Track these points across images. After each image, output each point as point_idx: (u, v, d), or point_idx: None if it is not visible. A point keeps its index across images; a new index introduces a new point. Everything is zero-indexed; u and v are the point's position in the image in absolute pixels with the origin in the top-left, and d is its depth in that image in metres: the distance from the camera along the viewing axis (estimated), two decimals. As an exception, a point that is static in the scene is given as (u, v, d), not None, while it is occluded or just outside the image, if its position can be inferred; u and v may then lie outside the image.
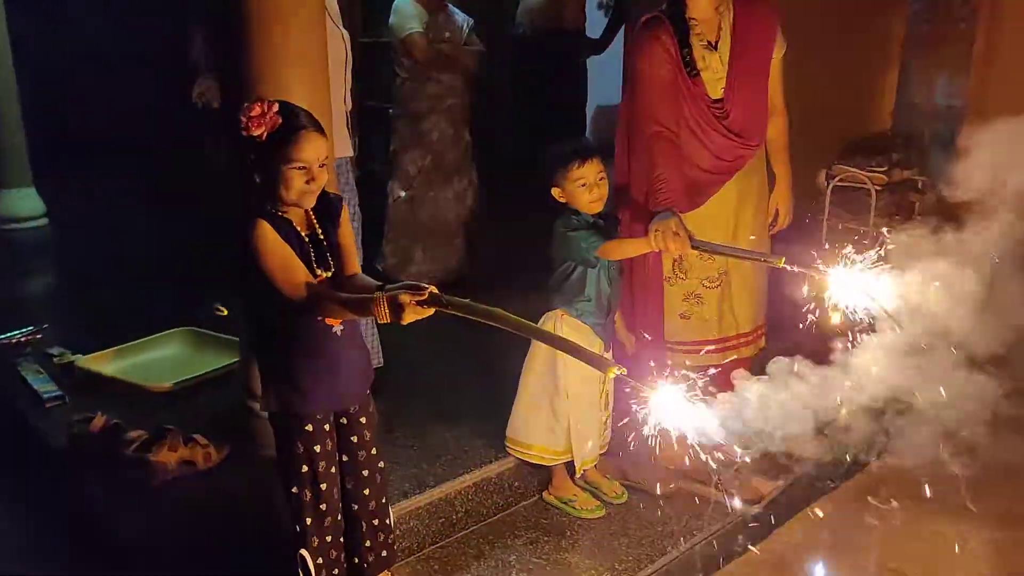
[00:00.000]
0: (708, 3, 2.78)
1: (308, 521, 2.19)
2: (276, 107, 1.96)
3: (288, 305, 2.02)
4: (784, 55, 2.91)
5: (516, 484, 2.92)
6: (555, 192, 2.71)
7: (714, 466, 2.15)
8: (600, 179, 2.65)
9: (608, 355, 2.77)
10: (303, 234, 2.07)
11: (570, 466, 2.89)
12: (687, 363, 3.00)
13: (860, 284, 2.21)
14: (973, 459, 2.64)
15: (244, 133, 1.94)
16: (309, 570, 2.19)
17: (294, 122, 1.97)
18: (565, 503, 2.88)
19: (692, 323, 2.99)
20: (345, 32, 3.09)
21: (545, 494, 2.94)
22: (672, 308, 2.98)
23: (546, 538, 2.76)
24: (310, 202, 2.05)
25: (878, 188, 4.28)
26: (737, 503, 2.84)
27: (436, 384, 3.44)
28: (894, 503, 2.97)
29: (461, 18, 4.31)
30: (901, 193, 4.44)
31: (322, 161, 2.01)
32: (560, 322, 2.74)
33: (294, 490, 2.19)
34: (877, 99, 4.79)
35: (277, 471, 2.24)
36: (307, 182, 2.00)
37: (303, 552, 2.20)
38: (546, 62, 4.42)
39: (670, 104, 2.79)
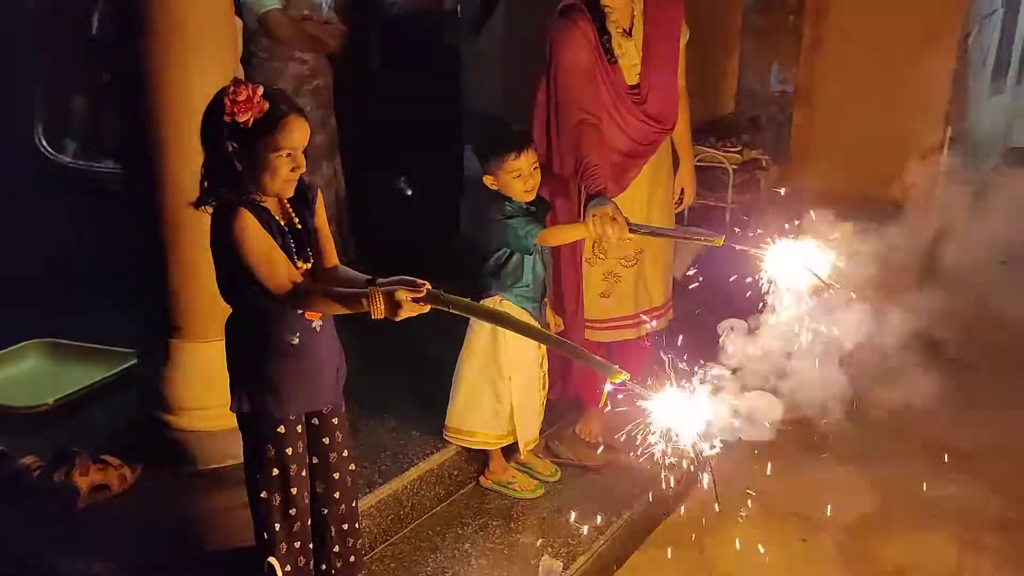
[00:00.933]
0: None
1: (277, 527, 2.10)
2: (261, 90, 1.84)
3: (271, 300, 1.91)
4: (687, 42, 3.06)
5: (455, 473, 2.90)
6: (487, 180, 2.70)
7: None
8: (534, 169, 2.67)
9: None
10: (282, 223, 1.97)
11: (508, 448, 2.91)
12: (605, 339, 3.14)
13: (799, 258, 2.37)
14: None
15: (228, 119, 1.81)
16: None
17: (280, 107, 1.86)
18: (504, 486, 2.90)
19: (611, 301, 3.08)
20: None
21: (482, 479, 2.94)
22: (592, 288, 3.06)
23: (494, 523, 2.77)
24: (291, 190, 1.95)
25: (734, 167, 4.60)
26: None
27: (359, 381, 3.32)
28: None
29: None
30: (750, 171, 4.80)
31: (304, 147, 1.91)
32: (499, 308, 2.74)
33: (263, 495, 2.08)
34: (721, 85, 5.14)
35: (246, 475, 2.13)
36: (292, 170, 1.90)
37: (271, 560, 2.10)
38: (418, 44, 4.34)
39: (592, 91, 2.85)
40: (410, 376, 3.19)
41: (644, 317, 3.13)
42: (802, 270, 2.37)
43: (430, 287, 1.83)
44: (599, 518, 2.76)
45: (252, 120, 1.83)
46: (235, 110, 1.81)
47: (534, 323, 2.78)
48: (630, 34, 2.91)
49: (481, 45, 4.60)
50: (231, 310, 2.07)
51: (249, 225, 1.87)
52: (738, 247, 2.42)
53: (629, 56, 2.90)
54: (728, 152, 4.58)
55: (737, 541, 2.85)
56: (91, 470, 2.52)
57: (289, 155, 1.88)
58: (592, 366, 1.86)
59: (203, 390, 2.69)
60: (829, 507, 3.00)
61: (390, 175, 4.50)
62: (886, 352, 2.86)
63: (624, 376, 1.75)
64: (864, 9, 4.67)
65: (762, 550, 2.80)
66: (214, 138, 1.87)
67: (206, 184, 1.93)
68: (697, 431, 1.89)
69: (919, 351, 3.11)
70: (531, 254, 2.72)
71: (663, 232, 2.83)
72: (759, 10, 5.01)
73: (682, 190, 3.19)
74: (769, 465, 3.06)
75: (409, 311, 1.81)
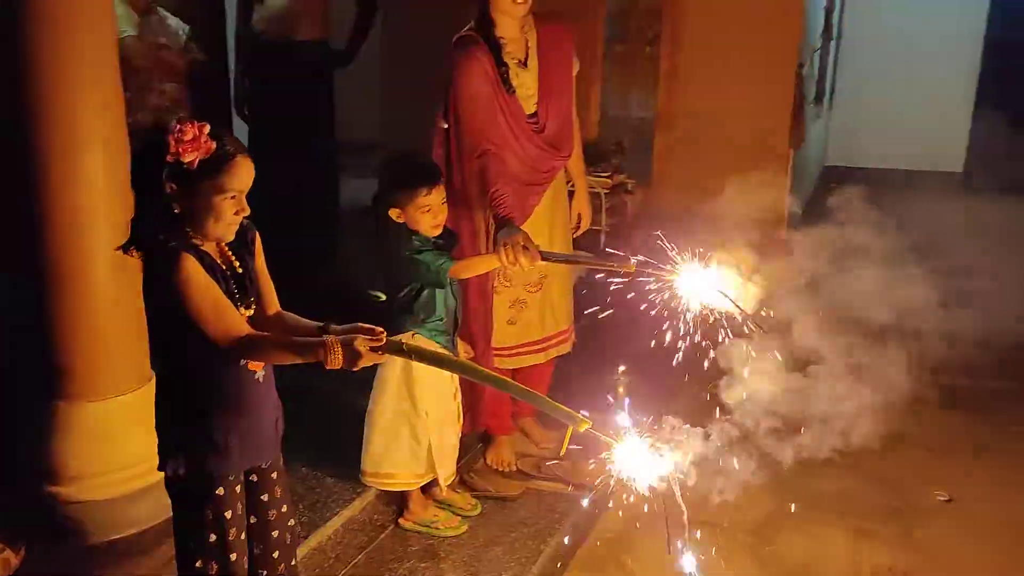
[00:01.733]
0: (515, 23, 2.91)
1: None
2: (207, 128, 1.73)
3: (216, 352, 1.79)
4: (577, 73, 3.14)
5: (376, 517, 2.82)
6: (393, 213, 2.65)
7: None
8: (443, 204, 2.65)
9: None
10: (224, 268, 1.86)
11: (425, 487, 2.85)
12: (513, 365, 3.15)
13: (711, 283, 2.46)
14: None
15: (171, 159, 1.70)
16: None
17: (227, 147, 1.77)
18: (427, 526, 2.84)
19: (518, 328, 3.12)
20: None
21: (402, 521, 2.87)
22: (499, 315, 3.08)
23: (422, 565, 2.70)
24: (233, 234, 1.84)
25: (605, 191, 4.75)
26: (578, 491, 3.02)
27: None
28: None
29: (175, 23, 3.96)
30: (618, 195, 4.97)
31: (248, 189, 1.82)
32: (411, 343, 2.68)
33: (198, 564, 1.94)
34: (584, 112, 5.28)
35: (176, 544, 1.98)
36: (236, 213, 1.80)
37: None
38: (286, 72, 4.23)
39: (493, 121, 2.89)
40: (314, 420, 3.06)
41: (552, 341, 3.19)
42: (715, 295, 2.46)
43: (387, 335, 1.78)
44: (526, 548, 2.75)
45: (197, 161, 1.72)
46: (180, 150, 1.70)
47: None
48: (526, 65, 2.96)
49: (353, 74, 4.52)
50: (162, 366, 1.96)
51: (193, 272, 1.76)
52: (650, 272, 2.48)
53: (526, 86, 2.95)
54: (599, 177, 4.73)
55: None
56: (-32, 560, 2.26)
57: (234, 197, 1.79)
58: (558, 416, 1.84)
59: (98, 455, 2.49)
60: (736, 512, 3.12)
61: (261, 209, 4.32)
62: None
63: (588, 425, 1.77)
64: (715, 40, 4.97)
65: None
66: (152, 179, 1.75)
67: (138, 228, 1.80)
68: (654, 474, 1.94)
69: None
70: (443, 287, 2.70)
71: (575, 259, 2.89)
72: (619, 39, 5.23)
73: (579, 215, 3.27)
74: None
75: (368, 361, 1.76)
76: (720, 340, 2.68)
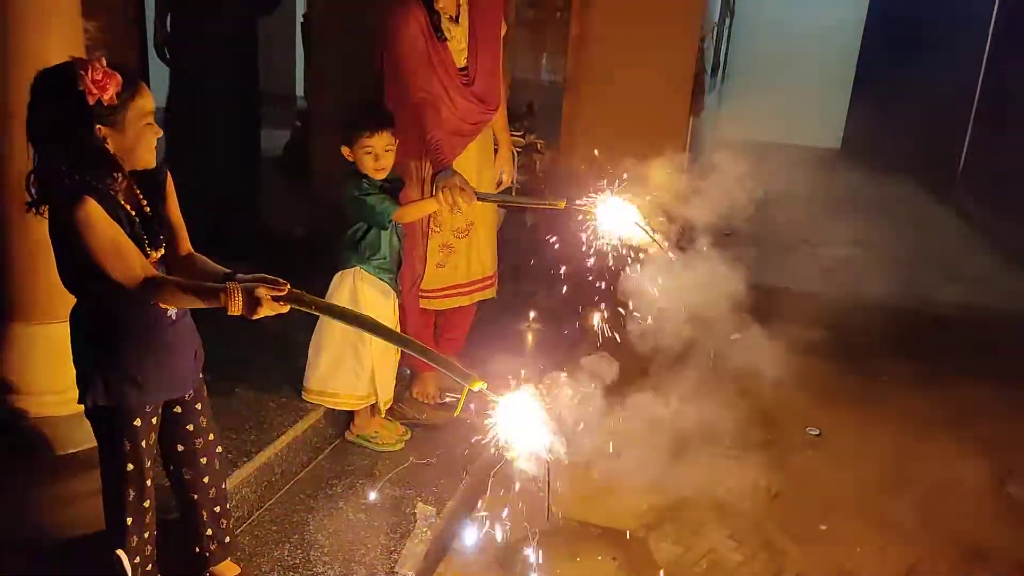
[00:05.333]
0: None
1: (129, 521, 2.05)
2: (105, 61, 1.76)
3: (121, 292, 1.83)
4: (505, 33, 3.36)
5: (315, 440, 3.02)
6: (344, 151, 2.85)
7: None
8: (387, 150, 2.84)
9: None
10: (130, 210, 1.88)
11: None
12: (440, 307, 3.38)
13: (630, 215, 2.76)
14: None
15: (91, 100, 1.74)
16: (125, 570, 2.08)
17: (128, 72, 1.80)
18: (368, 440, 3.08)
19: (446, 271, 3.33)
20: None
21: (348, 435, 3.10)
22: (430, 259, 3.28)
23: (360, 481, 2.93)
24: (154, 159, 1.90)
25: (519, 150, 4.98)
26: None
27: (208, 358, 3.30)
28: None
29: None
30: (528, 154, 5.22)
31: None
32: (356, 278, 2.90)
33: (119, 489, 2.05)
34: (498, 74, 5.50)
35: (101, 469, 2.08)
36: (156, 135, 1.87)
37: (119, 552, 2.07)
38: (211, 17, 4.24)
39: (426, 72, 3.07)
40: (256, 348, 3.23)
41: (477, 285, 3.43)
42: (631, 225, 2.76)
43: (290, 287, 1.82)
44: (454, 466, 3.01)
45: (114, 94, 1.76)
46: (97, 89, 1.73)
47: (392, 293, 2.97)
48: (457, 21, 3.16)
49: (274, 23, 4.59)
50: (75, 300, 1.98)
51: (93, 214, 1.76)
52: (576, 207, 2.77)
53: (457, 40, 3.14)
54: (513, 136, 4.96)
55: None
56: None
57: (150, 122, 1.85)
58: (454, 375, 1.87)
59: (53, 374, 2.59)
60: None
61: (182, 153, 4.37)
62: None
63: (482, 385, 1.83)
64: (623, 9, 5.23)
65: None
66: (77, 125, 1.76)
67: (40, 184, 1.82)
68: (540, 440, 1.96)
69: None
70: (387, 228, 2.90)
71: (510, 200, 3.13)
72: (531, 4, 5.44)
73: (502, 171, 3.50)
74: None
75: (268, 310, 1.79)
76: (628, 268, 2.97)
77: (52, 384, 2.59)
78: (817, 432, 3.79)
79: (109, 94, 1.76)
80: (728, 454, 3.52)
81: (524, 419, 1.94)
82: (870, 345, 4.80)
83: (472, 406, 2.02)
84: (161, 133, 1.90)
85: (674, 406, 3.70)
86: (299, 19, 6.57)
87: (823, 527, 3.07)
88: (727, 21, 7.66)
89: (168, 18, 4.40)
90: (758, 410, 3.90)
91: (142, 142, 1.85)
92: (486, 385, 1.84)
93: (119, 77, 1.78)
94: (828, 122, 9.47)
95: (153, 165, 1.92)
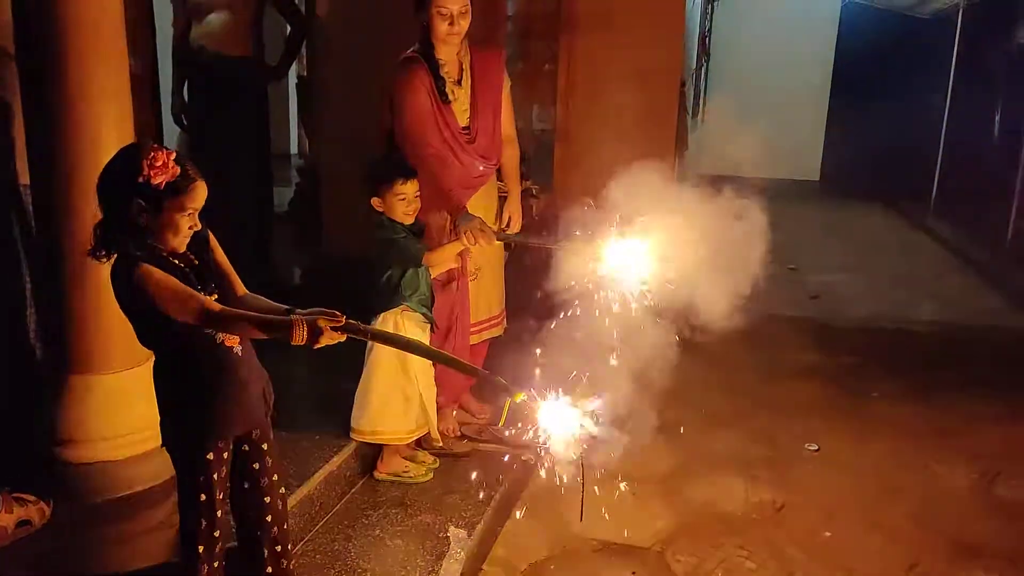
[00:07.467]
0: (451, 48, 3.39)
1: (201, 549, 2.19)
2: (173, 155, 1.99)
3: (192, 334, 2.03)
4: (511, 89, 3.64)
5: (348, 473, 3.21)
6: (375, 202, 3.12)
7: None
8: (416, 196, 3.12)
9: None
10: (179, 264, 2.07)
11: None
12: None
13: (632, 256, 2.99)
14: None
15: (141, 180, 1.95)
16: None
17: (188, 172, 2.01)
18: (399, 476, 3.29)
19: (459, 311, 3.57)
20: None
21: (376, 473, 3.30)
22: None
23: (395, 510, 3.12)
24: (184, 246, 2.09)
25: (514, 196, 5.25)
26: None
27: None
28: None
29: None
30: (525, 200, 5.48)
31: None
32: (402, 318, 3.16)
33: (193, 519, 2.18)
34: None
35: (179, 502, 2.23)
36: (190, 227, 2.06)
37: None
38: (224, 86, 4.51)
39: (433, 131, 3.34)
40: (294, 385, 3.45)
41: (485, 324, 3.66)
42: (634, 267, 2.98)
43: (344, 318, 2.01)
44: (480, 494, 3.21)
45: (164, 183, 1.97)
46: (151, 173, 1.94)
47: (426, 326, 3.22)
48: (460, 83, 3.44)
49: (283, 89, 4.88)
50: (154, 355, 2.16)
51: (150, 273, 1.96)
52: (582, 245, 2.98)
53: (461, 101, 3.42)
54: (517, 183, 5.23)
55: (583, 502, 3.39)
56: (14, 507, 2.54)
57: (190, 214, 2.03)
58: (497, 386, 2.11)
59: (107, 421, 2.80)
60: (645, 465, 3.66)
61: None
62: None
63: (523, 396, 2.06)
64: (607, 60, 5.55)
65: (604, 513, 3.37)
66: (121, 195, 1.98)
67: (102, 236, 2.02)
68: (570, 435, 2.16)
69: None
70: (420, 266, 3.16)
71: (525, 239, 3.40)
72: (520, 58, 5.76)
73: (510, 216, 3.74)
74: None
75: (328, 339, 1.98)
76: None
77: (106, 431, 2.79)
78: (816, 447, 4.00)
79: (158, 181, 1.97)
80: (732, 472, 3.73)
81: (563, 423, 2.14)
82: (859, 364, 5.07)
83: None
84: (200, 227, 2.08)
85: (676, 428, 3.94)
86: (294, 81, 6.93)
87: (827, 534, 3.27)
88: (704, 65, 8.03)
89: (185, 88, 4.67)
90: (756, 430, 4.13)
91: (171, 228, 2.02)
92: (526, 397, 2.06)
93: (177, 170, 1.99)
94: (806, 155, 9.83)
95: (182, 251, 2.09)
